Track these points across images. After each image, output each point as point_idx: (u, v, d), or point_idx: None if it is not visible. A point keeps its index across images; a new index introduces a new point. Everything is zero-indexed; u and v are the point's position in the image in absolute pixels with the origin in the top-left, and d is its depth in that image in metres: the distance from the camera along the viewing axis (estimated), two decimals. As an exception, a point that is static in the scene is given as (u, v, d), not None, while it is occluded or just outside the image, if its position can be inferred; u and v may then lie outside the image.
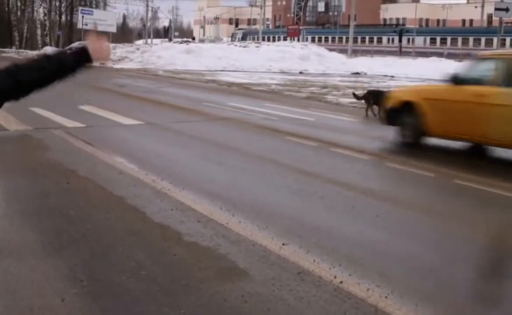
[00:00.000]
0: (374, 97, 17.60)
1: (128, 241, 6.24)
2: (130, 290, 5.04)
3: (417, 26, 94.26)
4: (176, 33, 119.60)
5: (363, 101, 18.52)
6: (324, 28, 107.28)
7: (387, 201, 8.32)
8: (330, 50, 58.90)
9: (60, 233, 6.43)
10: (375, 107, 17.23)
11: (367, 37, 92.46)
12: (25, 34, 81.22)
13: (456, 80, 11.83)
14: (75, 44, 34.77)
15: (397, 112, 12.87)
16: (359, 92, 20.11)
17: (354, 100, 19.82)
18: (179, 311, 4.66)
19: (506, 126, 10.71)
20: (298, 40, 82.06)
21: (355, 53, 67.90)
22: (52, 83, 2.38)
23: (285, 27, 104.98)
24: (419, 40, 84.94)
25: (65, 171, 9.45)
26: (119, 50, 51.34)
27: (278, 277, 5.37)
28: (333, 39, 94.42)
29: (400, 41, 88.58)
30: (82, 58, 2.42)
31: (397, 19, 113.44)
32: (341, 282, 5.28)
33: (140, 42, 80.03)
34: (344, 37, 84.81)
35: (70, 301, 4.81)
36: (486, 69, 11.78)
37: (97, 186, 8.57)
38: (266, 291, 5.07)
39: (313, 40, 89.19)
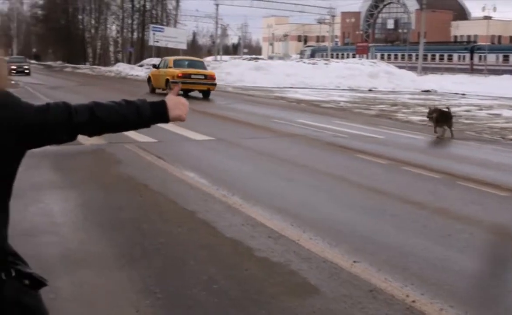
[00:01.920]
0: (440, 116, 17.42)
1: (200, 255, 6.32)
2: (202, 303, 5.10)
3: (489, 43, 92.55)
4: (245, 50, 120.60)
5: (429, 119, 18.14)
6: (393, 45, 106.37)
7: (459, 220, 8.18)
8: (400, 67, 58.47)
9: (134, 246, 6.56)
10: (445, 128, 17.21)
11: (437, 55, 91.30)
12: (98, 51, 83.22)
13: (155, 66, 34.10)
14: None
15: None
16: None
17: (424, 118, 19.57)
18: (251, 325, 4.70)
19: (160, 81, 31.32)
20: (367, 57, 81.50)
21: (425, 70, 67.13)
22: (125, 129, 2.43)
23: (354, 44, 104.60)
24: (491, 58, 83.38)
25: (137, 185, 9.63)
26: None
27: (349, 294, 5.35)
28: (403, 57, 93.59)
29: (471, 58, 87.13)
30: (159, 113, 2.45)
31: (468, 36, 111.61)
32: (413, 301, 5.23)
33: (209, 58, 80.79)
34: (413, 55, 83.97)
35: (144, 312, 4.91)
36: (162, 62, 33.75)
37: (169, 200, 8.71)
38: (338, 308, 5.06)
39: (382, 58, 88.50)
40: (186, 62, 32.88)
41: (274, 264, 6.09)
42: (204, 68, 32.62)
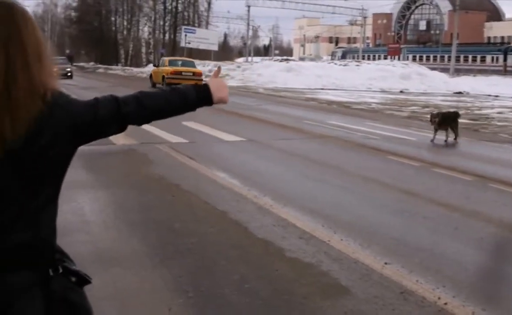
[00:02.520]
0: (442, 120, 16.55)
1: (232, 255, 6.34)
2: (233, 303, 5.12)
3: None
4: (276, 51, 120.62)
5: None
6: (425, 46, 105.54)
7: (491, 223, 8.11)
8: (432, 69, 57.97)
9: (166, 245, 6.61)
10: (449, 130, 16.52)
11: (470, 56, 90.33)
12: (130, 52, 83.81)
13: (155, 65, 42.68)
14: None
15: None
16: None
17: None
18: (282, 325, 4.71)
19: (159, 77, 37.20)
20: (399, 58, 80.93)
21: (458, 72, 66.54)
22: (171, 114, 2.47)
23: (386, 46, 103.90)
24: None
25: (169, 184, 9.69)
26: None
27: (380, 295, 5.34)
28: (435, 58, 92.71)
29: (505, 60, 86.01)
30: (204, 97, 2.49)
31: (502, 38, 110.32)
32: (445, 303, 5.20)
33: (240, 60, 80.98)
34: (446, 56, 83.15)
35: (176, 311, 4.94)
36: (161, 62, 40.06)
37: (200, 200, 8.75)
38: (369, 309, 5.05)
39: (414, 59, 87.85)
40: (180, 62, 39.71)
41: (305, 265, 6.10)
42: (194, 66, 39.19)
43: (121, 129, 2.37)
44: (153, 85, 37.54)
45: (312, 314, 4.93)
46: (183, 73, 35.97)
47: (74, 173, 9.46)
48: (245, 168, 11.31)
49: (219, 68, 2.71)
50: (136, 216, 7.82)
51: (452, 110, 18.67)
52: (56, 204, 2.27)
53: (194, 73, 36.52)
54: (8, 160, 2.09)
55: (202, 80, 33.75)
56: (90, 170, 10.43)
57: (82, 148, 2.35)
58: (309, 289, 5.47)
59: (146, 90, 2.42)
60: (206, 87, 2.49)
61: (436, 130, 16.34)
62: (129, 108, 2.32)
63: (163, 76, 36.03)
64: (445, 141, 16.29)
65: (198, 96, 2.46)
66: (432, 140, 16.19)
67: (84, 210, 8.03)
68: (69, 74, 48.22)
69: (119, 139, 13.50)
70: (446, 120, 16.61)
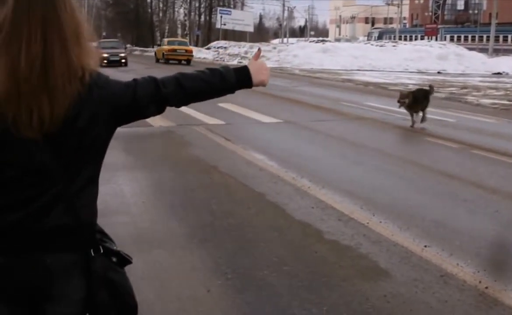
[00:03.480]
0: (414, 101, 14.44)
1: (270, 237, 6.35)
2: (272, 284, 5.13)
3: None
4: (312, 33, 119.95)
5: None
6: (463, 26, 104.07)
7: (534, 206, 8.01)
8: (470, 49, 57.08)
9: (204, 227, 6.64)
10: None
11: (509, 36, 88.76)
12: (166, 34, 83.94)
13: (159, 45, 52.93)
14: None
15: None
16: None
17: (496, 101, 19.02)
18: (321, 308, 4.71)
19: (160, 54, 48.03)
20: (436, 39, 79.92)
21: (496, 52, 65.46)
22: (210, 96, 2.46)
23: (423, 26, 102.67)
24: None
25: (207, 166, 9.73)
26: (255, 49, 52.04)
27: (420, 278, 5.31)
28: (473, 38, 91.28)
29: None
30: (243, 79, 2.48)
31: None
32: (486, 287, 5.15)
33: (276, 41, 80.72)
34: (484, 36, 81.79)
35: (215, 292, 4.97)
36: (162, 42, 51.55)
37: (238, 182, 8.77)
38: (409, 292, 5.02)
39: (451, 39, 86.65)
40: (176, 42, 50.20)
41: (344, 247, 6.08)
42: (187, 45, 50.54)
43: (159, 110, 2.37)
44: (157, 60, 48.44)
45: (351, 296, 4.92)
46: (177, 50, 46.67)
47: (113, 155, 9.55)
48: (282, 150, 11.29)
49: (259, 50, 2.69)
50: (174, 198, 7.86)
51: (425, 87, 16.19)
52: (96, 185, 2.29)
53: (186, 50, 47.10)
54: (47, 142, 2.10)
55: (192, 56, 46.94)
56: (128, 151, 10.51)
57: (120, 130, 2.36)
58: (348, 271, 5.45)
59: (186, 72, 2.41)
60: (245, 70, 2.47)
61: (411, 114, 14.55)
62: (168, 90, 2.32)
63: (163, 53, 46.83)
64: (411, 126, 14.53)
65: (238, 78, 2.45)
66: (411, 126, 14.45)
67: (124, 192, 8.10)
68: (123, 60, 40.29)
69: (156, 121, 13.57)
70: (418, 100, 14.62)
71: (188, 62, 45.64)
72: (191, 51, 47.91)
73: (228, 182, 8.76)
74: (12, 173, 2.13)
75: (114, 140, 2.33)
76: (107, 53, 37.27)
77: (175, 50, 46.70)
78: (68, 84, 2.09)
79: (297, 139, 12.89)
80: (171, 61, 45.41)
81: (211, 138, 12.38)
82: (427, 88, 15.59)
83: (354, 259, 5.78)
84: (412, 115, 14.56)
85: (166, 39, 52.31)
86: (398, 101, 14.44)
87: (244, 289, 5.05)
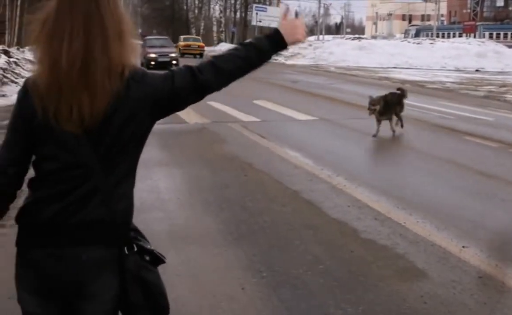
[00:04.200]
0: (385, 107, 12.64)
1: (305, 235, 6.30)
2: (307, 283, 5.09)
3: None
4: (348, 30, 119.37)
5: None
6: (503, 23, 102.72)
7: None
8: (509, 47, 56.27)
9: (239, 224, 6.62)
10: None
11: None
12: (201, 31, 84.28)
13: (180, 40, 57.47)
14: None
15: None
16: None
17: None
18: (357, 308, 4.65)
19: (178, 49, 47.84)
20: (475, 36, 78.95)
21: (537, 50, 64.49)
22: (249, 70, 2.43)
23: (461, 23, 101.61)
24: None
25: (242, 163, 9.71)
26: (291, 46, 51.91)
27: (458, 280, 5.22)
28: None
29: None
30: (277, 43, 2.44)
31: None
32: (526, 289, 5.05)
33: (312, 38, 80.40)
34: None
35: (250, 289, 4.94)
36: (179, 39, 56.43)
37: (273, 179, 8.73)
38: (446, 294, 4.94)
39: (490, 37, 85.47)
40: (191, 39, 59.21)
41: (381, 247, 6.01)
42: (199, 41, 57.83)
43: (199, 97, 2.37)
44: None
45: (388, 297, 4.85)
46: (191, 46, 54.29)
47: (149, 151, 9.57)
48: (317, 147, 11.23)
49: (287, 8, 2.61)
50: (210, 195, 7.85)
51: (395, 90, 14.30)
52: (133, 180, 2.29)
53: (198, 46, 54.42)
54: (86, 137, 2.11)
55: (204, 50, 53.67)
56: (164, 148, 10.53)
57: (156, 127, 2.34)
58: (385, 271, 5.38)
59: (220, 54, 2.39)
60: (276, 32, 2.44)
61: (379, 121, 12.57)
62: (205, 76, 2.31)
63: (179, 48, 51.13)
64: (393, 131, 12.82)
65: (271, 43, 2.43)
66: (374, 135, 12.44)
67: (160, 188, 8.12)
68: (174, 63, 33.50)
69: (192, 118, 13.60)
70: (391, 106, 12.91)
71: (201, 55, 50.62)
72: (203, 46, 55.51)
73: (263, 180, 8.73)
74: (51, 166, 2.14)
75: (149, 137, 2.31)
76: (154, 53, 33.94)
77: (189, 46, 54.40)
78: (108, 81, 2.09)
79: (333, 136, 12.81)
80: (186, 55, 50.39)
81: (246, 135, 12.36)
82: (399, 91, 13.94)
83: (390, 259, 5.70)
84: (379, 123, 12.56)
85: (182, 37, 59.71)
86: (369, 109, 12.58)
87: (278, 287, 5.01)
